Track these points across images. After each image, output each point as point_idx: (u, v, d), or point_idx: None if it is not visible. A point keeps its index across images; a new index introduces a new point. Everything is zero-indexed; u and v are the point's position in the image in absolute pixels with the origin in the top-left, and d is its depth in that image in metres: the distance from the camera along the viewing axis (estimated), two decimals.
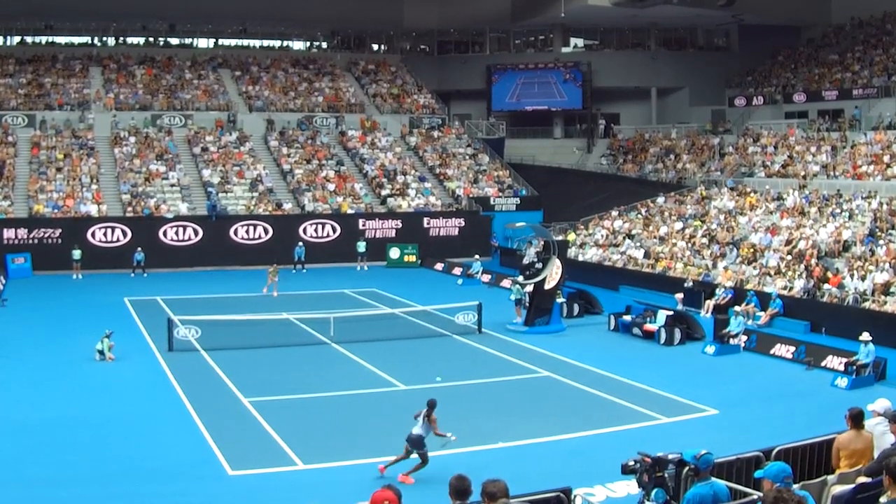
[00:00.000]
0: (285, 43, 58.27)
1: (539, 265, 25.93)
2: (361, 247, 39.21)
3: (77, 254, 35.39)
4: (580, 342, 24.27)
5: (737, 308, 24.62)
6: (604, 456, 13.29)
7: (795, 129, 42.58)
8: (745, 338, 23.12)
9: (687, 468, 9.07)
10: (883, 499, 6.97)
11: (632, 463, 9.70)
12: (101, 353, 21.24)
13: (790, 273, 28.21)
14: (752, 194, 37.26)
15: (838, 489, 8.78)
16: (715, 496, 8.34)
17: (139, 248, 36.68)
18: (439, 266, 39.55)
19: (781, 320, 25.88)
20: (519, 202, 45.22)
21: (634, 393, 18.47)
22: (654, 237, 36.23)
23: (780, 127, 44.20)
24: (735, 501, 8.76)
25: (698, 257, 32.67)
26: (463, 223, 42.61)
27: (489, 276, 35.69)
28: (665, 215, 38.59)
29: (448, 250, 40.80)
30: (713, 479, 8.66)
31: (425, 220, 42.14)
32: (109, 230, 37.74)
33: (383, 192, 43.61)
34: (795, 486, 7.65)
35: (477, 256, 38.01)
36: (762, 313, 26.28)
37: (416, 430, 13.22)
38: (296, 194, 42.48)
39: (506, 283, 32.20)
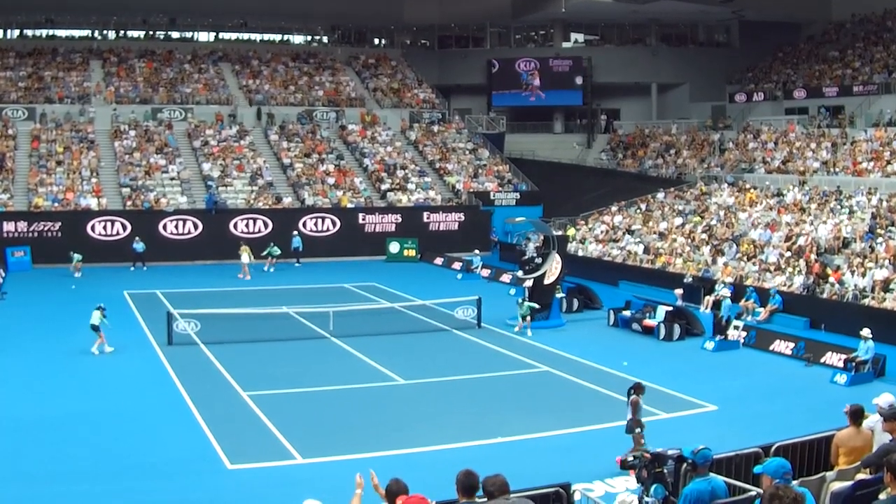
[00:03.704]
0: (286, 37, 58.21)
1: (538, 260, 25.91)
2: (276, 251, 36.80)
3: (77, 257, 34.41)
4: (579, 337, 24.26)
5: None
6: (603, 451, 13.30)
7: (795, 125, 42.54)
8: (744, 334, 23.13)
9: (685, 464, 9.09)
10: (882, 495, 6.97)
11: (631, 458, 9.73)
12: (96, 328, 21.16)
13: (790, 269, 28.21)
14: (751, 190, 37.22)
15: (837, 486, 8.78)
16: (713, 492, 8.34)
17: (138, 238, 36.40)
18: (439, 260, 39.52)
19: (781, 316, 25.88)
20: (519, 197, 45.17)
21: None
22: (654, 233, 36.21)
23: (780, 123, 44.14)
24: (733, 497, 8.76)
25: (698, 253, 32.67)
26: (463, 218, 42.57)
27: (489, 271, 35.67)
28: (665, 211, 38.57)
29: (448, 245, 40.72)
30: (712, 474, 8.68)
31: (425, 214, 42.08)
32: (109, 223, 37.68)
33: (383, 187, 43.58)
34: (794, 483, 7.65)
35: (476, 251, 37.95)
36: (762, 309, 26.28)
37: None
38: (295, 188, 42.44)
39: (506, 279, 32.17)
